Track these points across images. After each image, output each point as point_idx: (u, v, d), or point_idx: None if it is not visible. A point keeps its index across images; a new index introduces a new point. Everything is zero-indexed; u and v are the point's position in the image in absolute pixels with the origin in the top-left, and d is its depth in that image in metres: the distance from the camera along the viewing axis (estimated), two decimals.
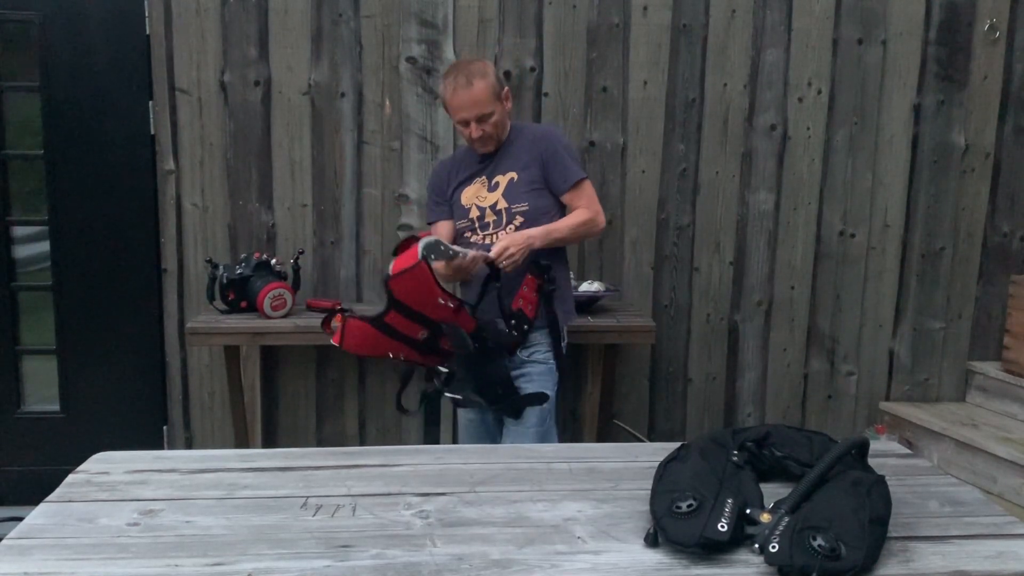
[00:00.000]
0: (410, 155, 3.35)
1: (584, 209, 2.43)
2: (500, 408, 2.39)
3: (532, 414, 2.37)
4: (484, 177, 2.48)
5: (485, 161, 2.49)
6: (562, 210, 2.47)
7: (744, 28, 3.39)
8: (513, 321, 2.34)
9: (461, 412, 2.65)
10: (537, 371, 2.42)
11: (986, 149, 3.54)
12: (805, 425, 3.58)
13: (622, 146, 3.41)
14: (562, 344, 2.49)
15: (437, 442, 3.30)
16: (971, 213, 3.58)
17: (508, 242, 2.29)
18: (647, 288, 3.50)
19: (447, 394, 2.31)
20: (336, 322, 2.12)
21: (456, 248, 2.24)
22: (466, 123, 2.39)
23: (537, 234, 2.35)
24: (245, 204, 3.33)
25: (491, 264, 2.29)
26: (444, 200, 2.57)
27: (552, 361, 2.45)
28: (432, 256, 2.13)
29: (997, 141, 3.54)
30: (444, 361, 2.26)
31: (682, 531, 1.27)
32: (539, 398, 2.36)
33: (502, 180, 2.45)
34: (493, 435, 2.53)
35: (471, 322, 2.20)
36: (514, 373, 2.41)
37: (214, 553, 1.25)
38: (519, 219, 2.42)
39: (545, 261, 2.38)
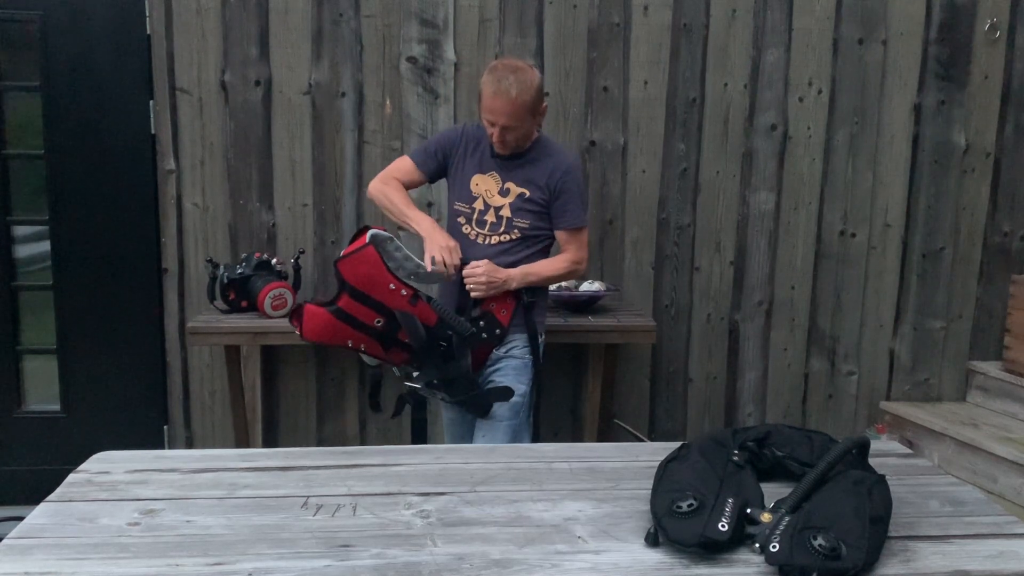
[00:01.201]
0: None
1: (569, 256, 2.50)
2: (466, 405, 2.41)
3: (504, 407, 2.39)
4: (499, 176, 2.46)
5: (503, 158, 2.46)
6: (553, 237, 2.52)
7: (745, 28, 3.39)
8: (483, 323, 2.37)
9: (444, 412, 2.66)
10: (512, 365, 2.46)
11: (987, 149, 3.53)
12: (805, 425, 3.58)
13: (623, 146, 3.41)
14: (540, 340, 2.52)
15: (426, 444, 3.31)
16: (971, 213, 3.58)
17: (487, 275, 2.34)
18: (648, 288, 3.50)
19: (406, 383, 2.36)
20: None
21: (412, 256, 2.28)
22: (492, 124, 2.37)
23: (515, 276, 2.41)
24: (246, 204, 3.33)
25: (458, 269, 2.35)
26: (438, 159, 2.52)
27: (528, 357, 2.48)
28: (380, 249, 2.16)
29: (998, 141, 3.54)
30: (408, 356, 2.28)
31: (683, 531, 1.27)
32: (504, 393, 2.38)
33: (514, 189, 2.45)
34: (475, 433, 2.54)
35: (433, 315, 2.22)
36: (490, 368, 2.45)
37: (214, 553, 1.26)
38: (516, 233, 2.45)
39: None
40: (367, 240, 2.14)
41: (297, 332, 2.17)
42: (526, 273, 2.43)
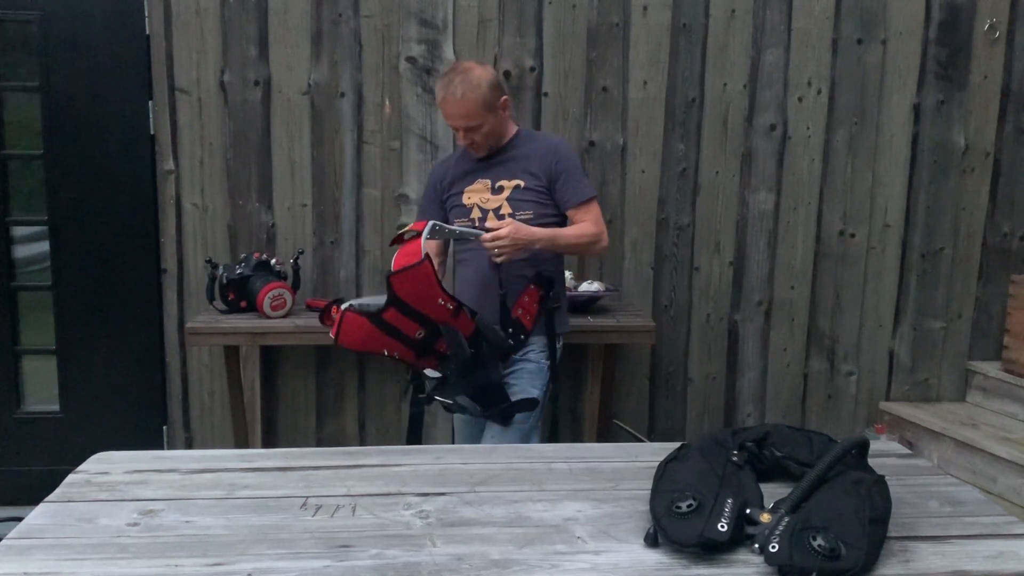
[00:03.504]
0: (410, 155, 3.35)
1: (591, 224, 2.44)
2: (490, 415, 2.39)
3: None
4: (488, 180, 2.46)
5: (486, 160, 2.48)
6: (563, 220, 2.48)
7: (744, 28, 3.39)
8: (511, 330, 2.36)
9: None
10: (528, 369, 2.44)
11: (986, 149, 3.54)
12: (805, 425, 3.58)
13: (622, 146, 3.41)
14: (557, 347, 2.51)
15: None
16: (971, 213, 3.58)
17: (510, 234, 2.25)
18: (647, 288, 3.50)
19: (437, 398, 2.32)
20: (335, 313, 2.12)
21: (456, 228, 2.27)
22: (454, 128, 2.39)
23: (542, 236, 2.34)
24: (245, 204, 3.33)
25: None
26: (436, 199, 2.57)
27: (544, 362, 2.46)
28: (437, 236, 2.16)
29: (997, 141, 3.54)
30: (439, 363, 2.25)
31: (682, 531, 1.27)
32: (528, 404, 2.36)
33: (507, 185, 2.44)
34: None
35: (470, 325, 2.19)
36: (505, 371, 2.43)
37: (214, 553, 1.25)
38: None
39: (548, 272, 2.43)
40: (422, 255, 2.04)
41: (331, 334, 2.11)
42: (555, 236, 2.36)
